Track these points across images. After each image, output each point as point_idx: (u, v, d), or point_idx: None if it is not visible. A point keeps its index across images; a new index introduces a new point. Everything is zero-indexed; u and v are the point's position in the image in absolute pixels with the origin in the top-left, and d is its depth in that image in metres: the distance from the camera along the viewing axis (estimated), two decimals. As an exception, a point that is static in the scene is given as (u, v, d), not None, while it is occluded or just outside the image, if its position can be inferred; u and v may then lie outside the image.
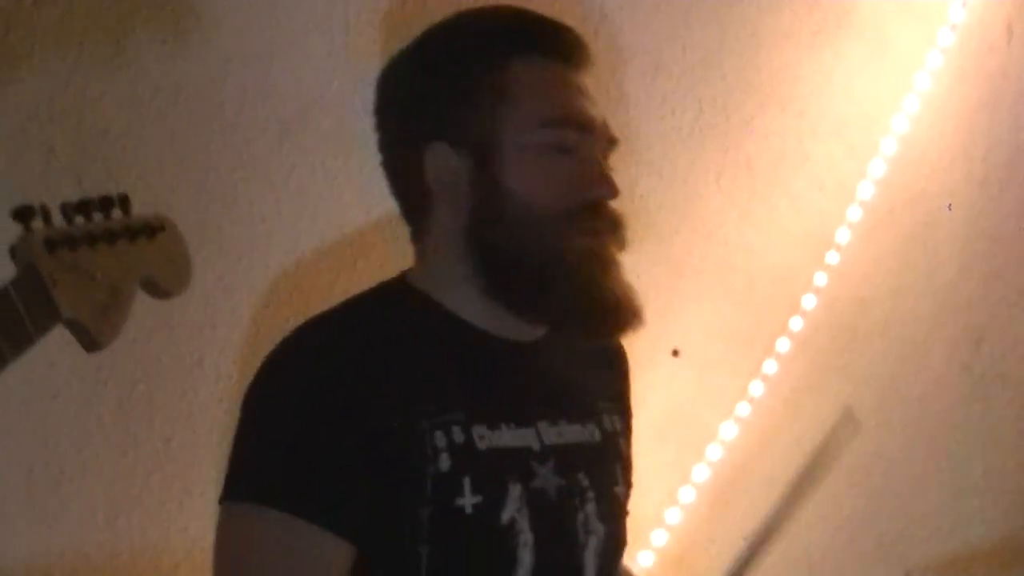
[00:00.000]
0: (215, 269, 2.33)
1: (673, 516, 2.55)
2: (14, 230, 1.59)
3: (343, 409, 1.56)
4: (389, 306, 1.68)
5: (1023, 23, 2.68)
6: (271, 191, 2.44)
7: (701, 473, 2.58)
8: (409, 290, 1.69)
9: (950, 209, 2.67)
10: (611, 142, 1.67)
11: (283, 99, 2.41)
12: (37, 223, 1.57)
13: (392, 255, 2.27)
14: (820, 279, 2.62)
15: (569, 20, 2.49)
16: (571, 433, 1.71)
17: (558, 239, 1.64)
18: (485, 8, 1.77)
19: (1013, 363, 2.68)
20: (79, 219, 1.61)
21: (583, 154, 1.64)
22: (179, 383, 2.28)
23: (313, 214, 2.42)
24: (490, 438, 1.64)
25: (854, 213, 2.61)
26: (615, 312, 1.69)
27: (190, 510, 2.33)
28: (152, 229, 1.68)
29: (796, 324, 2.63)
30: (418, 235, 1.71)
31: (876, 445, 2.67)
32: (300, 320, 1.68)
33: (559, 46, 1.69)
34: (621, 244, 1.66)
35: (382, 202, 2.36)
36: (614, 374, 1.88)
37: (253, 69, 2.41)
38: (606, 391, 1.82)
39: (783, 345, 2.62)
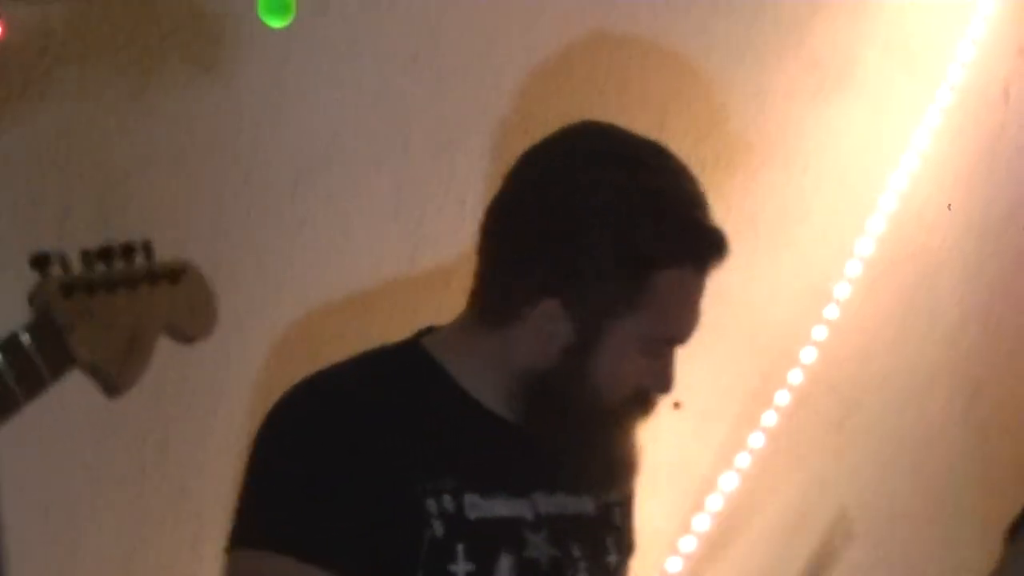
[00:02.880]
0: (228, 318, 2.33)
1: (674, 565, 2.55)
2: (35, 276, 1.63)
3: (348, 463, 1.57)
4: (400, 369, 1.69)
5: (1020, 85, 2.69)
6: (284, 240, 2.46)
7: (702, 523, 2.58)
8: (424, 356, 1.70)
9: (949, 209, 2.69)
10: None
11: (297, 150, 2.43)
12: (55, 269, 1.56)
13: (402, 307, 2.37)
14: (819, 333, 2.63)
15: (578, 73, 2.55)
16: (566, 504, 1.73)
17: (605, 416, 1.69)
18: (675, 203, 1.69)
19: (1011, 412, 2.68)
20: (100, 266, 1.61)
21: (665, 355, 1.68)
22: (193, 431, 2.31)
23: (325, 264, 2.43)
24: (482, 507, 1.66)
25: (853, 268, 2.63)
26: (614, 473, 1.75)
27: (202, 554, 2.33)
28: (175, 273, 1.67)
29: (795, 377, 2.64)
30: (483, 323, 1.71)
31: (875, 495, 2.69)
32: (310, 369, 1.72)
33: (712, 261, 1.70)
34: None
35: (392, 255, 2.43)
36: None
37: (267, 120, 2.43)
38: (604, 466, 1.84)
39: (782, 398, 2.63)
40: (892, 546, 2.71)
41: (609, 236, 1.66)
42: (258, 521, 1.62)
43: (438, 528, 1.63)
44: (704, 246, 1.69)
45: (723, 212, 2.55)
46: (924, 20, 2.69)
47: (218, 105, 2.39)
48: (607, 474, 1.74)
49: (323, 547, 1.60)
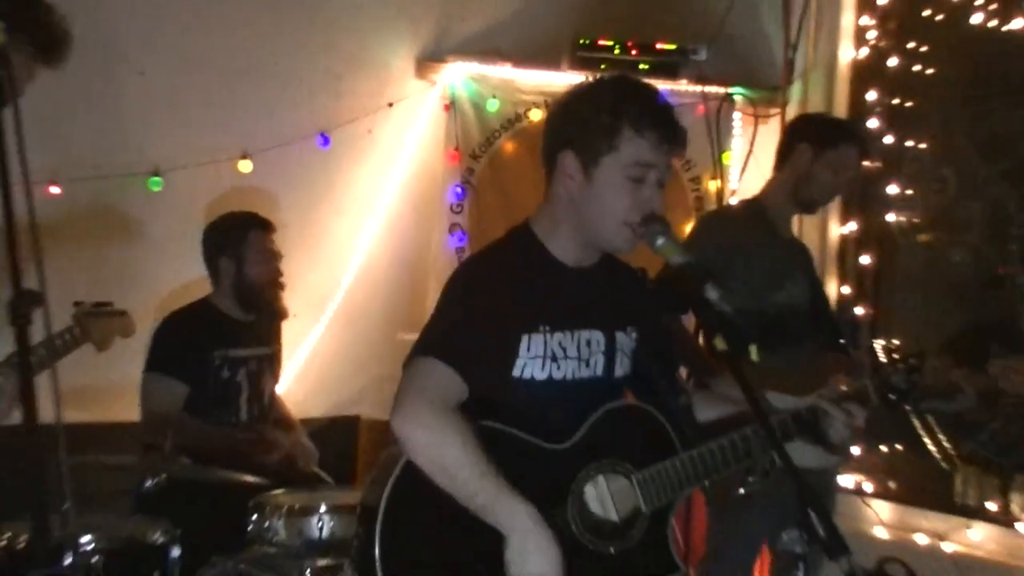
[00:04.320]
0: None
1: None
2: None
3: None
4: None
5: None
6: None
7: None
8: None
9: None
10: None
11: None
12: (83, 305, 3.22)
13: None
14: (325, 319, 5.20)
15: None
16: (262, 350, 3.99)
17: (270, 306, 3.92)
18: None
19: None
20: (99, 307, 3.24)
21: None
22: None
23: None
24: (235, 353, 3.88)
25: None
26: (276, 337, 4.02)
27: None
28: (123, 313, 3.31)
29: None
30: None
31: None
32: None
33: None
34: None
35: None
36: (277, 325, 3.98)
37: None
38: (276, 334, 3.95)
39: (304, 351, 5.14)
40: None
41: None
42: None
43: (223, 364, 3.77)
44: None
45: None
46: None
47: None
48: (274, 337, 3.96)
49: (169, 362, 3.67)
